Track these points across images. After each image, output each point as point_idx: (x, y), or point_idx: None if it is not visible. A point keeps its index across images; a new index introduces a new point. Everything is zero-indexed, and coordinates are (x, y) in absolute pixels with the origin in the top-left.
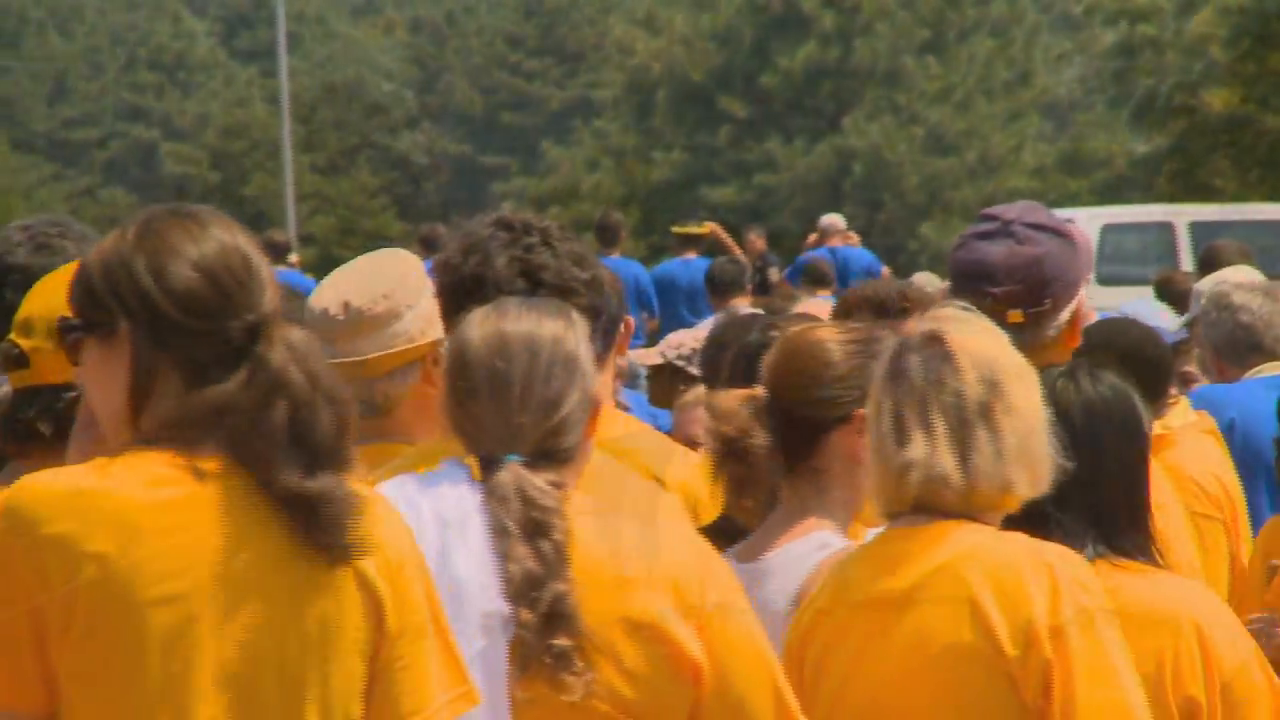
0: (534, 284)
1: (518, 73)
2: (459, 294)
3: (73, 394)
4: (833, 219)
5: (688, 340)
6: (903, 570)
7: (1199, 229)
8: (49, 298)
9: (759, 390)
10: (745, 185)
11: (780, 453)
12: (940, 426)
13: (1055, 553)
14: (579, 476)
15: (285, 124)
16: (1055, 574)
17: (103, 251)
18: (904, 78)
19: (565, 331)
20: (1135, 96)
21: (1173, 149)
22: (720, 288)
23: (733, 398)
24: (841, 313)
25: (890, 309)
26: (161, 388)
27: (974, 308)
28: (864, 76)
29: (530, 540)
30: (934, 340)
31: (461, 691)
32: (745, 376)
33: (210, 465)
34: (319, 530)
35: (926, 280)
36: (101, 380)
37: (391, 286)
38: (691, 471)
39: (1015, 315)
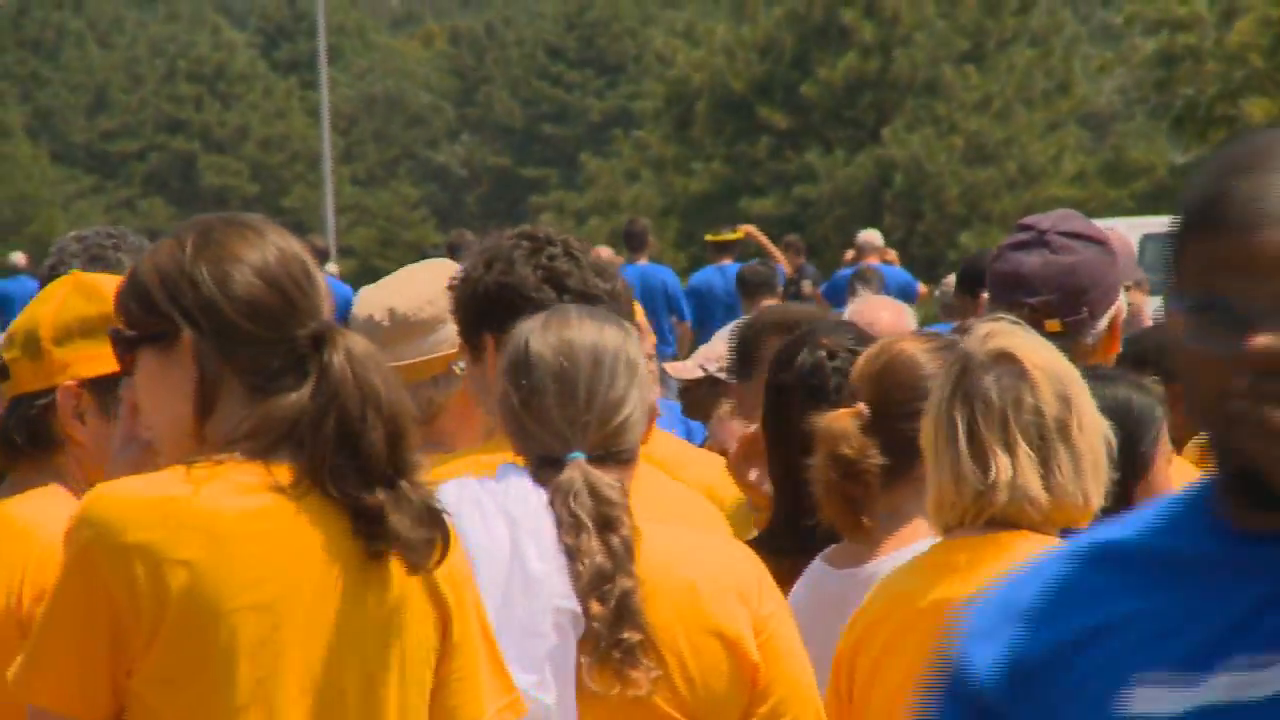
0: (560, 291)
1: (558, 84)
2: (481, 305)
3: (44, 401)
4: (870, 235)
5: (726, 352)
6: (972, 577)
7: None
8: (29, 310)
9: (861, 407)
10: (785, 196)
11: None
12: (1022, 446)
13: None
14: (633, 480)
15: (325, 136)
16: None
17: (159, 260)
18: (943, 88)
19: (625, 336)
20: (1175, 106)
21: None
22: (751, 288)
23: (842, 419)
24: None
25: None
26: (226, 396)
27: (1016, 318)
28: (903, 87)
29: (601, 535)
30: (1006, 358)
31: (510, 700)
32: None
33: (284, 475)
34: (387, 540)
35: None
36: (159, 390)
37: (435, 293)
38: (715, 475)
39: (1053, 325)
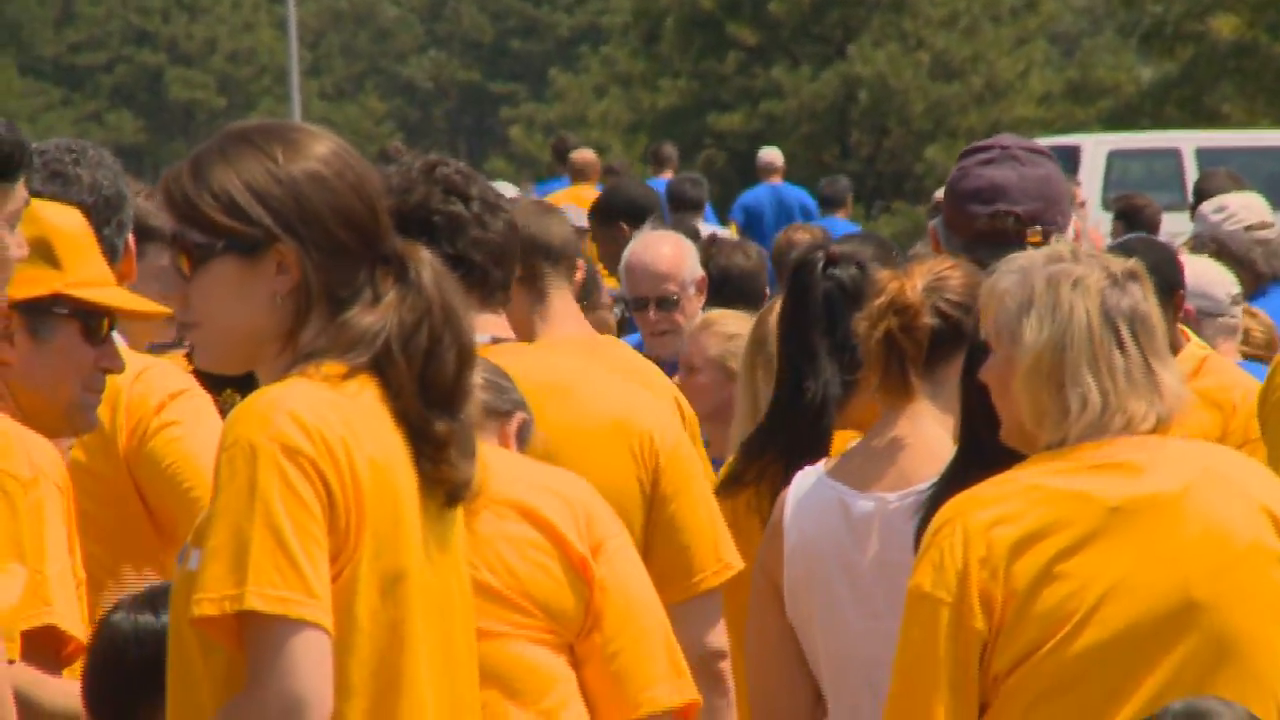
0: (465, 201)
1: None
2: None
3: None
4: (770, 154)
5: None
6: (1160, 475)
7: (1205, 155)
8: None
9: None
10: (752, 112)
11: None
12: (1167, 354)
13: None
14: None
15: (293, 49)
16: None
17: (243, 168)
18: (910, 4)
19: None
20: (1143, 23)
21: (1180, 76)
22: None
23: (900, 279)
24: None
25: None
26: (315, 309)
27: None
28: (870, 3)
29: None
30: (1138, 275)
31: None
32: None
33: (371, 387)
34: (444, 466)
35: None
36: (232, 300)
37: None
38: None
39: (1035, 235)
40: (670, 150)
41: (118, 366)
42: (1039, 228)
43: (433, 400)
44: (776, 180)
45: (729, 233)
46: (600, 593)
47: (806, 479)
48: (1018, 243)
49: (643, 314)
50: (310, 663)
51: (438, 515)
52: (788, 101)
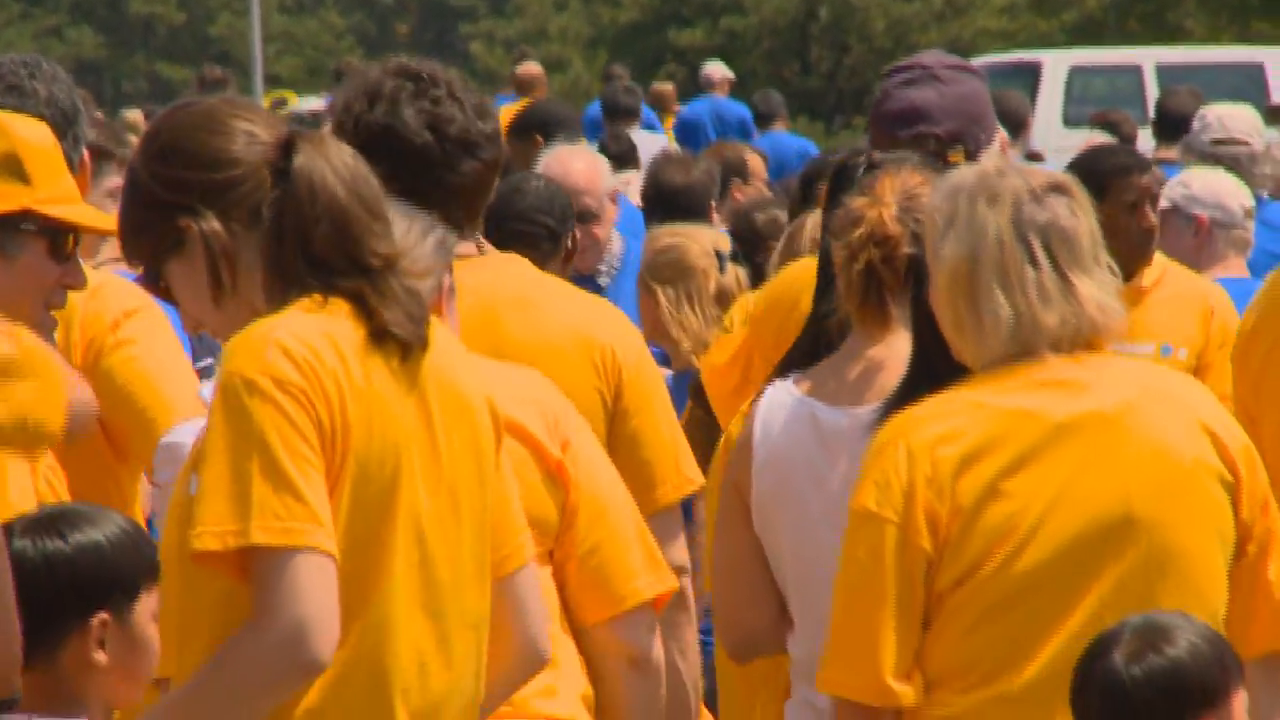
0: (440, 138)
1: None
2: (362, 142)
3: None
4: (715, 68)
5: None
6: (1102, 393)
7: (1166, 72)
8: None
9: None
10: (713, 28)
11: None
12: (1094, 267)
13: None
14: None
15: None
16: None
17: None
18: None
19: None
20: None
21: None
22: (617, 113)
23: (877, 206)
24: None
25: None
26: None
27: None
28: None
29: None
30: (1062, 187)
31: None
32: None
33: (345, 308)
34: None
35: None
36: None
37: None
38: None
39: (957, 155)
40: (620, 70)
41: (81, 283)
42: (960, 147)
43: (337, 268)
44: (719, 95)
45: (666, 142)
46: (574, 491)
47: (778, 394)
48: (942, 163)
49: None
50: (317, 588)
51: (451, 443)
52: (749, 17)
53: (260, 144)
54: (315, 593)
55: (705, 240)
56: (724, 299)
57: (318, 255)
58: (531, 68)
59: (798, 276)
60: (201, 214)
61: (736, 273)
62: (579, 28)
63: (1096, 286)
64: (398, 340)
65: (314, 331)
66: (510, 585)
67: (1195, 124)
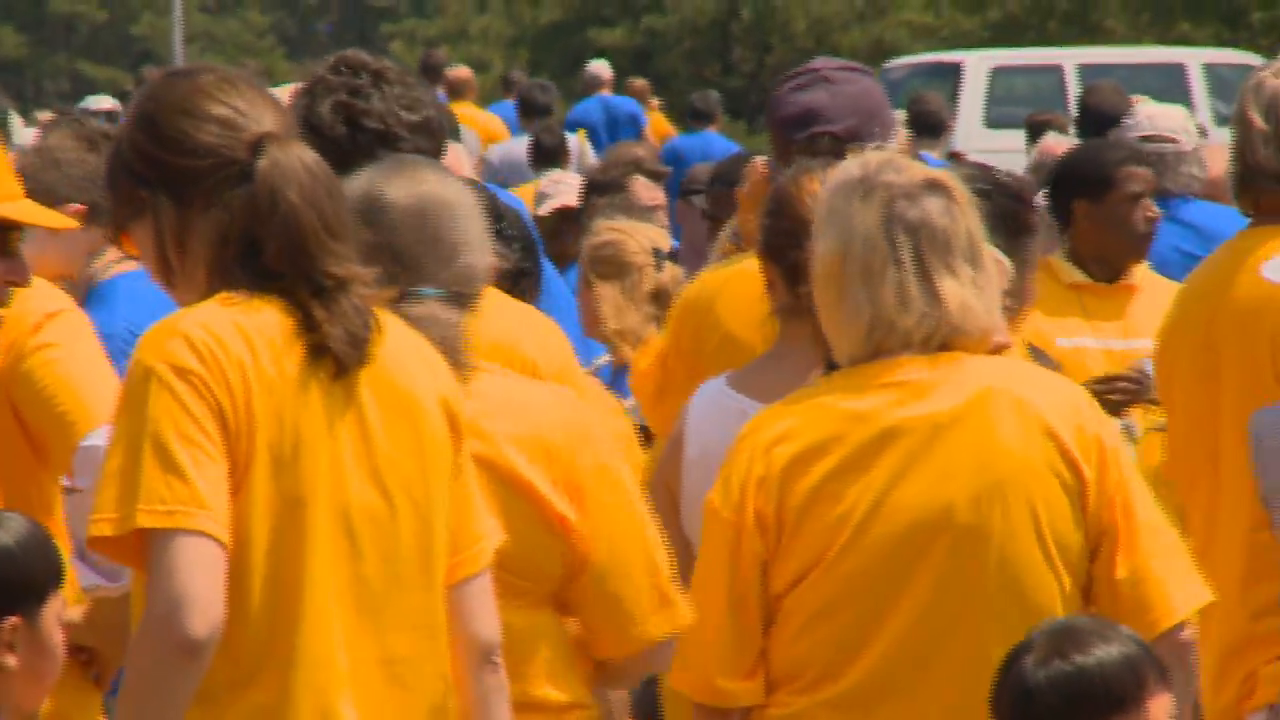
0: (354, 129)
1: None
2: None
3: None
4: (598, 66)
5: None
6: (940, 396)
7: (1088, 71)
8: None
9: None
10: (634, 28)
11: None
12: (964, 268)
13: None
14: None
15: None
16: (1086, 396)
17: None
18: None
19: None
20: None
21: None
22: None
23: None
24: None
25: None
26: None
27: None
28: None
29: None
30: (939, 186)
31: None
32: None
33: (271, 303)
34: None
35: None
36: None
37: None
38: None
39: (854, 152)
40: (521, 75)
41: (25, 280)
42: (859, 145)
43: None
44: (605, 93)
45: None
46: (582, 542)
47: (709, 390)
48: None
49: None
50: (194, 565)
51: (391, 441)
52: (669, 17)
53: (234, 134)
54: (192, 572)
55: (643, 237)
56: (661, 298)
57: (268, 267)
58: (462, 71)
59: (712, 280)
60: (157, 191)
61: (674, 272)
62: (500, 28)
63: (964, 287)
64: (335, 358)
65: (224, 322)
66: (459, 592)
67: (1126, 121)
